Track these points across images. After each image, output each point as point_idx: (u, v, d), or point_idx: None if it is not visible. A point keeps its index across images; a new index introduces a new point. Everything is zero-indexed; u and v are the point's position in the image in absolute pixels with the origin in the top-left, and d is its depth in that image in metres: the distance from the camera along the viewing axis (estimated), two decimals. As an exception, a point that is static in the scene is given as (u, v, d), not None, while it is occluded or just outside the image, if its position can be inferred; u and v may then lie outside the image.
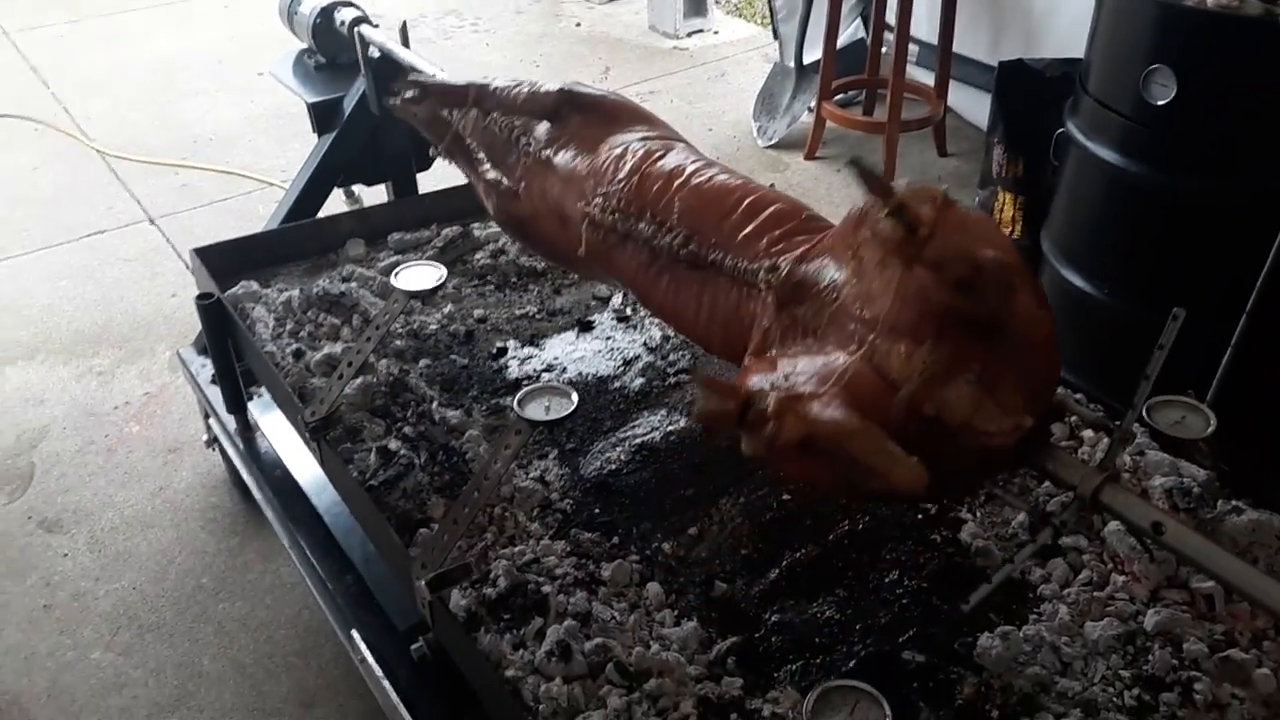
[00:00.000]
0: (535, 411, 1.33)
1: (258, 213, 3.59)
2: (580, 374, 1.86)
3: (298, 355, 1.76)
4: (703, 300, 1.28)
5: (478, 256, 2.15)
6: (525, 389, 1.37)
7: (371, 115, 2.21)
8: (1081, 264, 2.57)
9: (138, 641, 2.15)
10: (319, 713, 2.00)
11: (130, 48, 5.14)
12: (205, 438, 2.39)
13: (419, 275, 1.60)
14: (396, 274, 1.60)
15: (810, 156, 4.05)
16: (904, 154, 3.89)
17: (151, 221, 3.69)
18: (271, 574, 2.28)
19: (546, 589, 1.35)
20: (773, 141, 4.14)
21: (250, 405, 2.09)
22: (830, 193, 3.87)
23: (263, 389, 2.09)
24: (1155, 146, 2.32)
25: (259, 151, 4.14)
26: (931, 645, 1.36)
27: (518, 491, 1.54)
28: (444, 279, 1.59)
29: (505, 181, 1.54)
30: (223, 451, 2.32)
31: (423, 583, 1.28)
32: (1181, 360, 2.10)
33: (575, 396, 1.34)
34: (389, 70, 2.09)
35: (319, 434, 1.55)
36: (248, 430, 2.07)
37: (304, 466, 1.91)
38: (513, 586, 1.35)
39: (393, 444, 1.56)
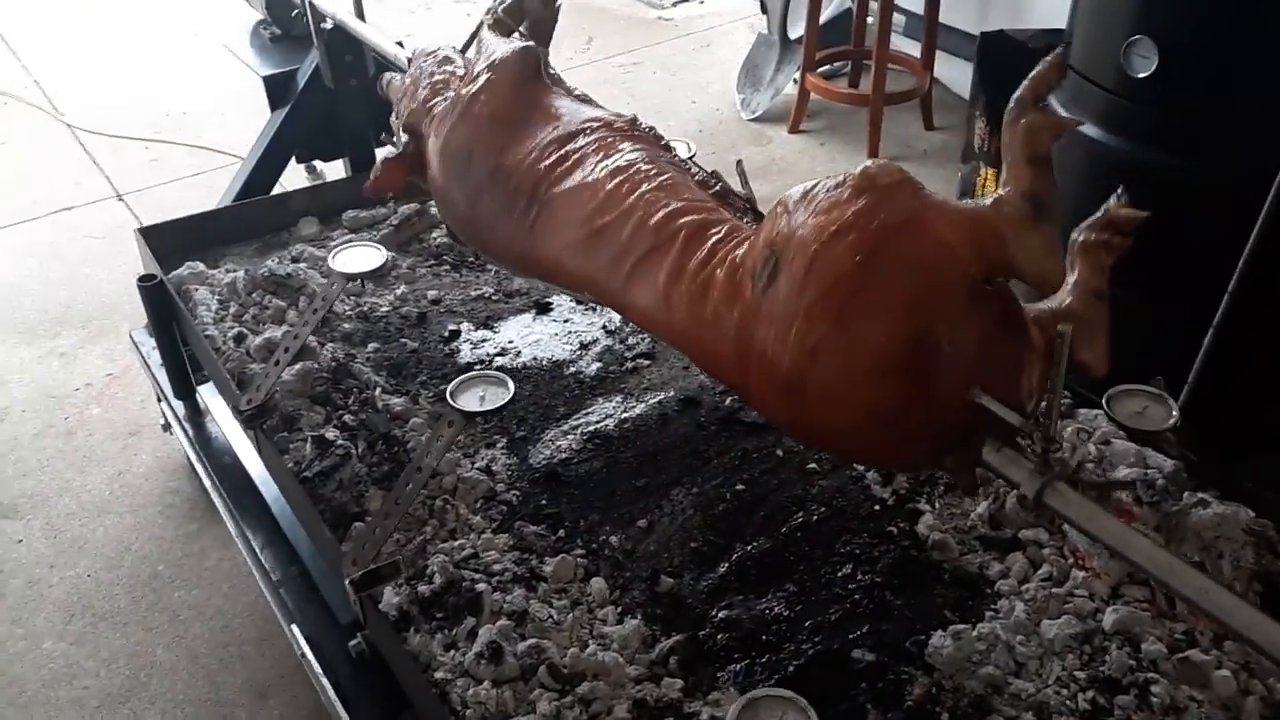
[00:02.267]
0: (469, 402, 1.27)
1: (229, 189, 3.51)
2: (535, 358, 1.80)
3: (239, 339, 1.70)
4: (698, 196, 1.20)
5: (434, 235, 2.08)
6: (459, 378, 1.32)
7: (326, 89, 2.14)
8: (1061, 241, 2.50)
9: (91, 630, 2.10)
10: (273, 704, 1.96)
11: (103, 19, 5.03)
12: (161, 422, 2.34)
13: (359, 256, 1.53)
14: (335, 255, 1.54)
15: (794, 129, 3.97)
16: (889, 127, 3.80)
17: (119, 197, 3.62)
18: (229, 561, 2.23)
19: (481, 587, 1.30)
20: (756, 114, 4.05)
21: (201, 390, 2.03)
22: (814, 166, 3.79)
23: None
24: (1136, 120, 2.26)
25: (231, 126, 4.04)
26: (882, 643, 1.31)
27: (461, 482, 1.49)
28: (385, 261, 1.53)
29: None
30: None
31: (348, 581, 1.23)
32: (1159, 343, 2.04)
33: (512, 386, 1.29)
34: (343, 43, 2.02)
35: (253, 422, 1.50)
36: (197, 415, 2.01)
37: (251, 453, 1.85)
38: (447, 584, 1.30)
39: (330, 433, 1.50)
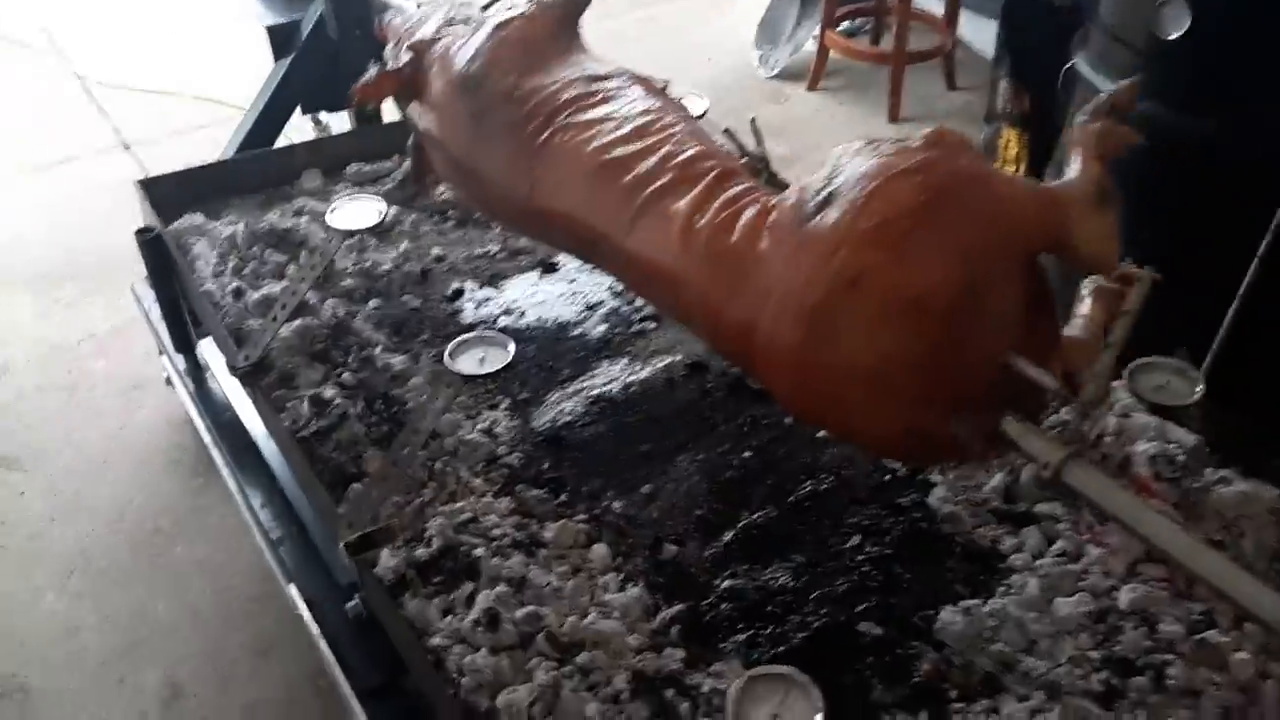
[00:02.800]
0: (468, 363, 1.23)
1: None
2: (539, 319, 1.76)
3: (238, 294, 1.67)
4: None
5: (439, 190, 2.03)
6: (459, 339, 1.28)
7: (331, 39, 2.08)
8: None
9: (92, 585, 2.09)
10: (274, 661, 1.95)
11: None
12: (164, 376, 2.31)
13: (359, 211, 1.49)
14: (333, 209, 1.49)
15: (813, 88, 3.89)
16: (910, 87, 3.72)
17: (127, 148, 3.58)
18: (231, 517, 2.20)
19: (479, 552, 1.27)
20: (775, 72, 3.97)
21: (201, 344, 2.00)
22: (833, 125, 3.72)
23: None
24: (1166, 84, 2.18)
25: (240, 78, 3.98)
26: (891, 617, 1.28)
27: (462, 444, 1.45)
28: (384, 216, 1.48)
29: None
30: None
31: (342, 544, 1.20)
32: (1186, 314, 1.98)
33: (512, 347, 1.24)
34: (349, -9, 1.96)
35: (250, 380, 1.46)
36: (197, 370, 1.98)
37: (251, 410, 1.82)
38: (445, 548, 1.27)
39: (328, 392, 1.47)
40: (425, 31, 1.44)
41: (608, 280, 1.85)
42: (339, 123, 2.42)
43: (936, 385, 0.95)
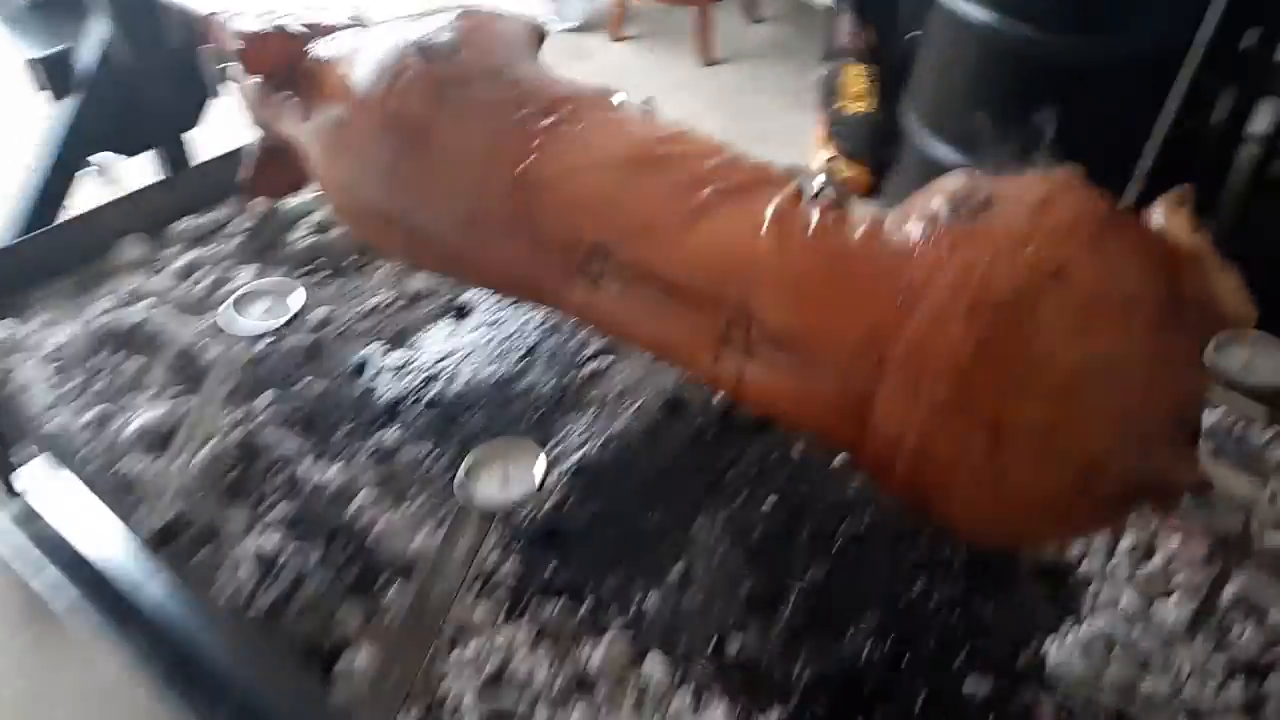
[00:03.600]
0: (489, 489, 0.97)
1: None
2: (474, 379, 1.49)
3: (101, 425, 1.29)
4: None
5: (294, 237, 1.69)
6: (469, 460, 1.00)
7: (123, 68, 1.67)
8: (955, 136, 2.39)
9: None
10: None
11: None
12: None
13: (264, 302, 1.16)
14: (228, 310, 1.16)
15: (616, 38, 3.67)
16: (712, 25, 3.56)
17: None
18: (92, 670, 1.80)
19: (538, 714, 1.02)
20: (573, 25, 3.71)
21: (21, 474, 1.58)
22: (646, 78, 3.52)
23: (33, 449, 1.58)
24: (1036, 3, 2.14)
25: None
26: (991, 665, 1.15)
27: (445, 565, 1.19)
28: (305, 301, 1.17)
29: None
30: None
31: (380, 761, 0.92)
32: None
33: (541, 455, 0.99)
34: (142, 8, 1.56)
35: (164, 546, 1.13)
36: (30, 516, 1.56)
37: (122, 550, 1.44)
38: (488, 717, 1.02)
39: (268, 542, 1.15)
40: (324, 18, 1.19)
41: (537, 314, 1.60)
42: (131, 169, 1.98)
43: (1142, 405, 0.84)
